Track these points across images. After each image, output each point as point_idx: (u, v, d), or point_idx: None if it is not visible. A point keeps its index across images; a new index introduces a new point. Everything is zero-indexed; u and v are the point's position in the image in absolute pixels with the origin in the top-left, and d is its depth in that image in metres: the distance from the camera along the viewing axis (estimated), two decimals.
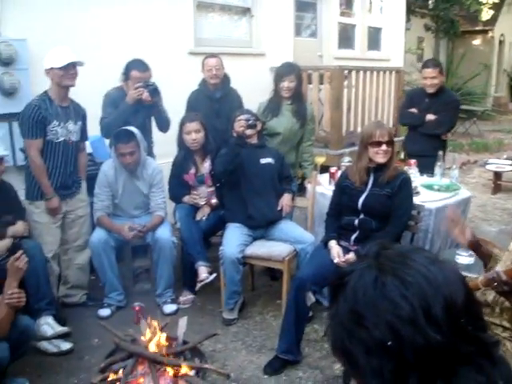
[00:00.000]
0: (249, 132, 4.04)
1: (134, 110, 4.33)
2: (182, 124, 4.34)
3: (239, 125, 3.98)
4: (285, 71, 4.59)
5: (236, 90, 5.01)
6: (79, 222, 4.21)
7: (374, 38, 9.91)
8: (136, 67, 4.35)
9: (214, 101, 4.81)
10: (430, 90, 4.96)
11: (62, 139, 3.95)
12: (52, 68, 3.85)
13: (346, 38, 9.31)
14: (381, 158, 3.36)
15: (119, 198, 4.28)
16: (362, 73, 7.06)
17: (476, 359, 0.85)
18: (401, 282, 0.85)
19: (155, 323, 3.12)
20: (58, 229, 4.10)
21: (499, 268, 2.26)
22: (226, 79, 4.90)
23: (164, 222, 4.27)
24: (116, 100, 4.39)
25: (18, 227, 3.67)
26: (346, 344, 0.88)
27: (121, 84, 4.46)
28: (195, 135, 4.30)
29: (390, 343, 0.82)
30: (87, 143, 4.86)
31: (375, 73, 7.29)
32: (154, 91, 4.28)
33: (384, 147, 3.33)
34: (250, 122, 3.99)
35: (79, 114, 4.12)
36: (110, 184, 4.23)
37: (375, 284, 0.86)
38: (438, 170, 4.61)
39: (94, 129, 4.55)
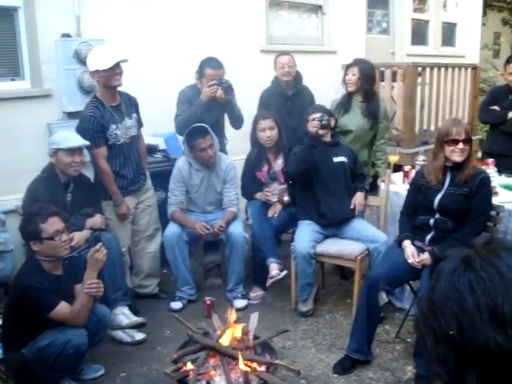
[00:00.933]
0: (322, 132, 4.00)
1: (208, 108, 4.38)
2: (255, 121, 4.36)
3: (312, 125, 3.94)
4: (349, 64, 4.59)
5: (308, 88, 4.99)
6: (148, 211, 4.31)
7: (449, 34, 9.64)
8: (210, 65, 4.40)
9: (286, 98, 4.81)
10: None
11: (123, 140, 4.00)
12: (97, 70, 3.85)
13: (419, 34, 9.10)
14: (457, 157, 3.26)
15: (193, 193, 4.36)
16: (435, 70, 6.87)
17: None
18: (475, 275, 0.85)
19: (229, 316, 3.16)
20: (129, 223, 4.21)
21: None
22: (298, 77, 4.89)
23: (236, 217, 4.31)
24: (190, 97, 4.46)
25: (96, 219, 3.80)
26: (421, 329, 0.89)
27: (195, 82, 4.52)
28: (269, 132, 4.31)
29: (451, 333, 0.82)
30: (161, 140, 5.00)
31: (450, 70, 7.09)
32: (228, 88, 4.32)
33: (461, 145, 3.22)
34: (324, 122, 3.93)
35: (131, 106, 4.14)
36: (185, 179, 4.31)
37: (453, 274, 0.88)
38: None
39: (167, 126, 4.66)
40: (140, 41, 5.20)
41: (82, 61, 4.77)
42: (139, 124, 4.24)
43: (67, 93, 4.79)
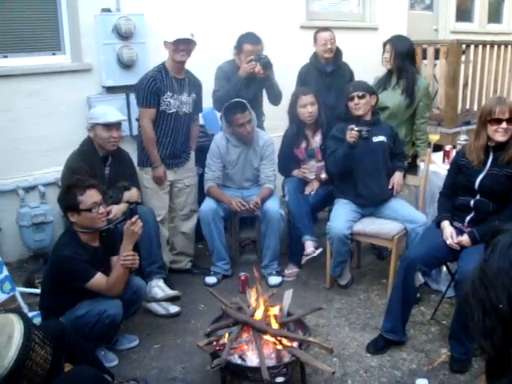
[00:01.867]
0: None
1: (246, 83, 4.36)
2: (296, 97, 4.29)
3: (350, 135, 3.79)
4: (385, 42, 4.51)
5: (347, 64, 4.89)
6: (186, 191, 4.33)
7: (495, 10, 9.33)
8: (248, 40, 4.36)
9: (325, 75, 4.73)
10: None
11: (174, 110, 4.07)
12: (166, 41, 3.99)
13: (464, 10, 8.82)
14: (500, 137, 3.15)
15: (230, 169, 4.36)
16: (480, 47, 6.64)
17: None
18: None
19: (260, 293, 3.17)
20: (166, 195, 4.25)
21: None
22: (338, 53, 4.79)
23: (273, 194, 4.30)
24: (228, 73, 4.44)
25: (133, 193, 3.82)
26: (470, 300, 0.87)
27: (233, 57, 4.49)
28: (311, 108, 4.25)
29: (501, 307, 0.80)
30: (199, 115, 4.98)
31: (495, 47, 6.84)
32: (267, 64, 4.28)
33: (504, 125, 3.11)
34: (363, 133, 3.77)
35: (194, 86, 4.21)
36: (222, 155, 4.31)
37: (509, 247, 0.85)
38: None
39: (205, 101, 4.64)
40: (179, 16, 5.18)
41: (121, 35, 4.80)
42: (196, 107, 4.29)
43: (106, 67, 4.83)
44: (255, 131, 4.29)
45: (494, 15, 9.31)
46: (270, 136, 4.47)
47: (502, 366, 0.83)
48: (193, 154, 4.39)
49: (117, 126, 3.73)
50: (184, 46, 3.96)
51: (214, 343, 2.93)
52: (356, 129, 3.77)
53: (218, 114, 4.70)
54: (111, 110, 3.82)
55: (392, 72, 4.45)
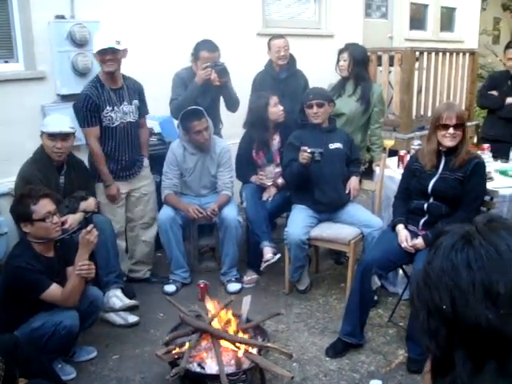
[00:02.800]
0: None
1: (203, 91, 4.36)
2: (266, 99, 4.29)
3: (302, 157, 3.79)
4: (340, 50, 4.58)
5: (301, 71, 4.96)
6: (144, 199, 4.29)
7: (448, 19, 9.59)
8: (205, 48, 4.37)
9: (279, 81, 4.78)
10: None
11: (117, 123, 3.98)
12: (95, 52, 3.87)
13: (417, 18, 9.04)
14: (448, 142, 3.23)
15: (188, 177, 4.34)
16: (433, 55, 6.81)
17: None
18: (473, 252, 0.84)
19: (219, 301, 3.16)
20: (121, 208, 4.18)
21: None
22: (291, 60, 4.86)
23: (230, 201, 4.29)
24: (185, 80, 4.43)
25: (90, 202, 3.77)
26: (415, 302, 0.89)
27: (190, 64, 4.49)
28: (281, 106, 4.30)
29: (444, 308, 0.82)
30: (156, 123, 4.96)
31: (448, 55, 7.01)
32: (223, 71, 4.29)
33: (451, 130, 3.18)
34: (316, 156, 3.76)
35: (134, 92, 4.10)
36: (179, 163, 4.29)
37: (451, 249, 0.86)
38: None
39: (163, 109, 4.63)
40: (135, 23, 5.15)
41: (75, 43, 4.73)
42: (141, 112, 4.20)
43: (61, 75, 4.75)
44: (212, 138, 4.29)
45: (447, 24, 9.57)
46: (226, 143, 4.47)
47: (446, 365, 0.85)
48: (147, 162, 4.31)
49: (62, 136, 3.60)
50: (110, 55, 3.80)
51: (173, 352, 2.90)
52: (309, 150, 3.78)
53: (176, 122, 4.68)
54: (59, 120, 3.69)
55: (347, 79, 4.51)
